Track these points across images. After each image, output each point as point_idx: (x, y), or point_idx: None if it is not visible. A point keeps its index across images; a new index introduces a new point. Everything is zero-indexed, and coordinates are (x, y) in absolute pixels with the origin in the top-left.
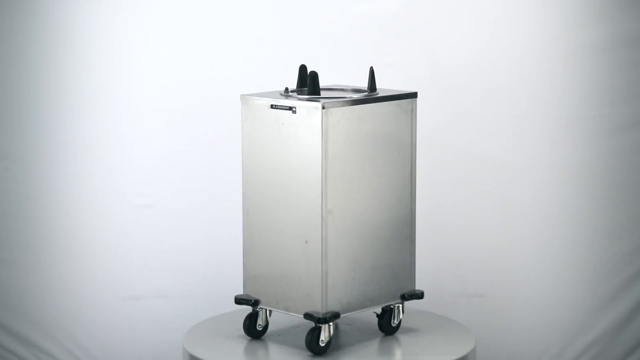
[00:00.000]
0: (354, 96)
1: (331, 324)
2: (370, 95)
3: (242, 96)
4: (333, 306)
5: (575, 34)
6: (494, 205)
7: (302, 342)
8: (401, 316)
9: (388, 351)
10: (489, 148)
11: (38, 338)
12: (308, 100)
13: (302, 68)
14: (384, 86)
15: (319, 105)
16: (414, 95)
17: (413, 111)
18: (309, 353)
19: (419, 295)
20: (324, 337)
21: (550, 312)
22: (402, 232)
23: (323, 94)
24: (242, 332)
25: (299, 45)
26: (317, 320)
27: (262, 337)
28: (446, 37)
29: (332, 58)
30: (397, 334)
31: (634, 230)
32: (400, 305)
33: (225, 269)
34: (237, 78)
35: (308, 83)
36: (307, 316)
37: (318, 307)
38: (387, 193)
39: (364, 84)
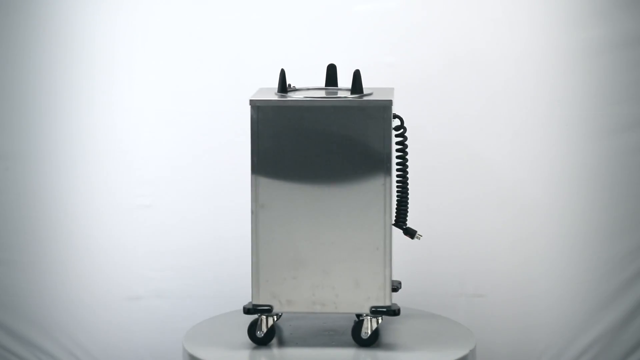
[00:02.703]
0: (300, 96)
1: (273, 317)
2: (332, 97)
3: (260, 89)
4: (267, 300)
5: (575, 34)
6: (494, 205)
7: (305, 340)
8: (373, 329)
9: (387, 351)
10: (489, 148)
11: (38, 338)
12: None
13: (330, 67)
14: (385, 86)
15: (250, 101)
16: (386, 102)
17: (387, 119)
18: (310, 352)
19: (394, 312)
20: (260, 329)
21: (550, 312)
22: (370, 243)
23: (305, 93)
24: (242, 332)
25: (299, 45)
26: (247, 311)
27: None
28: (446, 38)
29: (334, 58)
30: (397, 334)
31: (634, 230)
32: (374, 318)
33: (226, 269)
34: (236, 78)
35: (278, 81)
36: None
37: (253, 299)
38: (345, 200)
39: (369, 83)
